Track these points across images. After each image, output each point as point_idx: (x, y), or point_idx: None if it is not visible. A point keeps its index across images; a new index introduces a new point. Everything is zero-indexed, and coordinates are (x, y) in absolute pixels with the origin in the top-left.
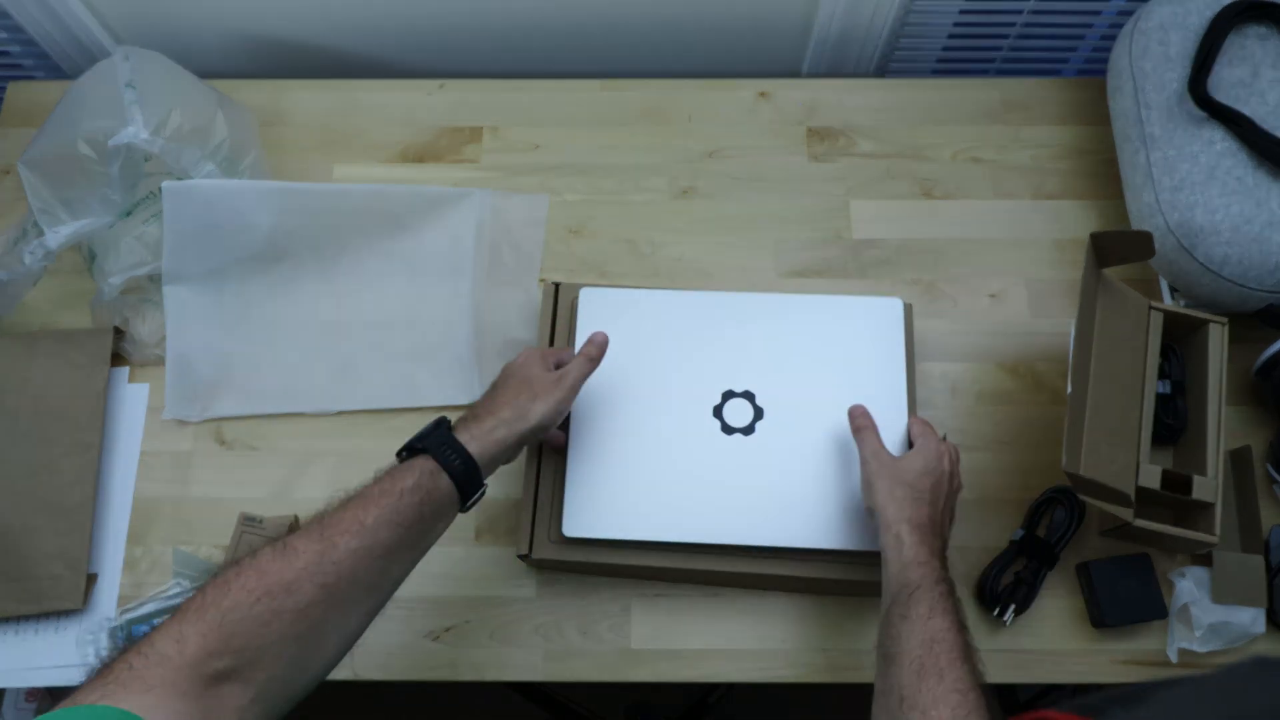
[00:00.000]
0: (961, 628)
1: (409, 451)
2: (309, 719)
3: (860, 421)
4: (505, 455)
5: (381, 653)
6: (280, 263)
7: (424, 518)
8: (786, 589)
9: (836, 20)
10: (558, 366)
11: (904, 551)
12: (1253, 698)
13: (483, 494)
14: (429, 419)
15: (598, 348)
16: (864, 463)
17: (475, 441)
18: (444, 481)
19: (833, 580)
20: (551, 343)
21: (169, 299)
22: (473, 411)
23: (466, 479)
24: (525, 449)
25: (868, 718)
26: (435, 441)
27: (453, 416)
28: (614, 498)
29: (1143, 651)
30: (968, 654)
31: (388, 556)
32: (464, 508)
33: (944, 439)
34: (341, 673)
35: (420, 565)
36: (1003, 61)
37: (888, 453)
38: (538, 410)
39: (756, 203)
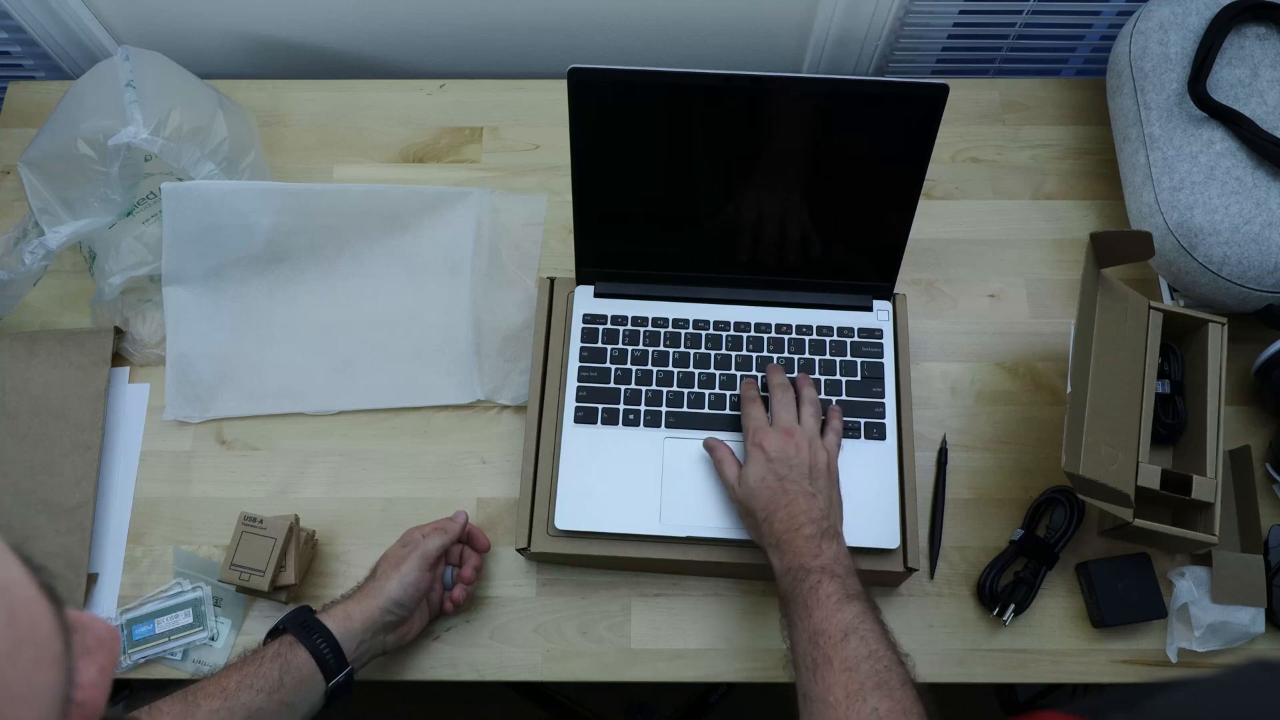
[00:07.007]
0: (846, 599)
1: (271, 635)
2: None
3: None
4: (371, 634)
5: None
6: (280, 263)
7: (285, 685)
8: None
9: (836, 20)
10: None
11: (776, 573)
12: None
13: (351, 676)
14: (428, 418)
15: (456, 524)
16: None
17: (332, 619)
18: (301, 652)
19: None
20: (547, 338)
21: (169, 299)
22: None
23: (327, 653)
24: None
25: None
26: (293, 620)
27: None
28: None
29: (1142, 651)
30: (853, 628)
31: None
32: (330, 685)
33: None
34: None
35: None
36: (1002, 61)
37: (730, 480)
38: (386, 587)
39: None
